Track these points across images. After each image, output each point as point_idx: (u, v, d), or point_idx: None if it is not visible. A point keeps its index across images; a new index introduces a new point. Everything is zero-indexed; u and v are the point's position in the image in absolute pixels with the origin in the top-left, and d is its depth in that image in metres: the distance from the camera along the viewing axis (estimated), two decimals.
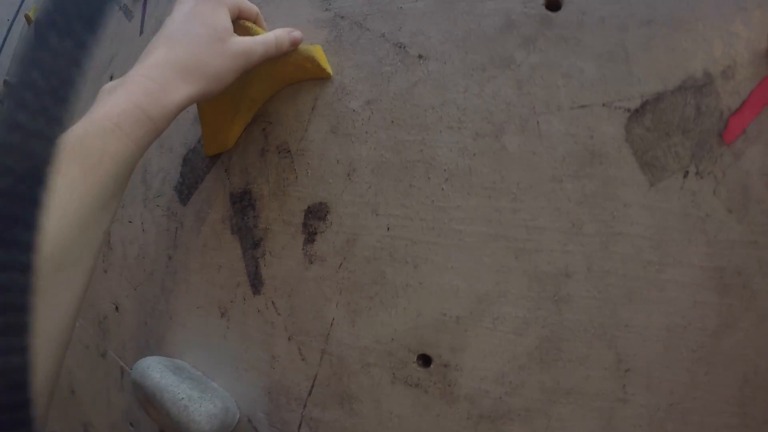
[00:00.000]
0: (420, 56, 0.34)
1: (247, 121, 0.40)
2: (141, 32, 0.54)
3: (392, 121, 0.34)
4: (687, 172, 0.28)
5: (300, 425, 0.36)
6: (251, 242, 0.39)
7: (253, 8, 0.37)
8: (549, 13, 0.31)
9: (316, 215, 0.36)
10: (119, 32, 0.58)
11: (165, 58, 0.31)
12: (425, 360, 0.32)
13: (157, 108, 0.29)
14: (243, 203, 0.40)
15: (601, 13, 0.30)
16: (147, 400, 0.37)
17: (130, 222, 0.49)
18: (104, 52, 0.60)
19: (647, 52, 0.29)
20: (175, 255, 0.44)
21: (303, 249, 0.36)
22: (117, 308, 0.50)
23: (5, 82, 1.36)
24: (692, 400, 0.28)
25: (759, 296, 0.27)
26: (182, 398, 0.35)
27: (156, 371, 0.37)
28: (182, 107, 0.31)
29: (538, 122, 0.30)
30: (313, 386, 0.36)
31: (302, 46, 0.36)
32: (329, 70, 0.36)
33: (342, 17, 0.37)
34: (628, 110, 0.29)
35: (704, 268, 0.28)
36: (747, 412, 0.28)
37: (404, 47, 0.34)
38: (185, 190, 0.43)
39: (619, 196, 0.29)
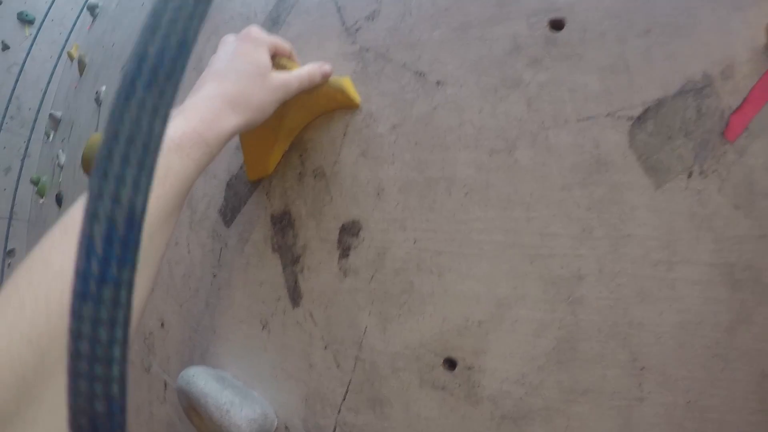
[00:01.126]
0: (438, 82, 0.41)
1: (285, 149, 0.49)
2: None
3: (416, 143, 0.41)
4: (691, 173, 0.33)
5: (334, 430, 0.42)
6: (291, 259, 0.47)
7: (287, 46, 0.46)
8: (553, 33, 0.37)
9: (349, 232, 0.44)
10: None
11: (215, 92, 0.39)
12: (451, 363, 0.38)
13: (212, 133, 0.37)
14: (283, 223, 0.48)
15: (601, 28, 0.36)
16: (191, 406, 0.45)
17: (177, 244, 0.58)
18: None
19: (647, 60, 0.34)
20: (219, 273, 0.52)
21: (338, 263, 0.44)
22: (162, 324, 0.59)
23: (51, 115, 1.65)
24: (710, 397, 0.31)
25: None
26: (224, 403, 0.42)
27: (201, 379, 0.45)
28: (232, 134, 0.39)
29: (547, 136, 0.37)
30: (347, 392, 0.42)
31: (332, 79, 0.45)
32: (357, 99, 0.45)
33: (367, 50, 0.45)
34: (631, 118, 0.34)
35: (713, 264, 0.31)
36: None
37: (424, 75, 0.42)
38: (229, 212, 0.53)
39: (626, 200, 0.34)
